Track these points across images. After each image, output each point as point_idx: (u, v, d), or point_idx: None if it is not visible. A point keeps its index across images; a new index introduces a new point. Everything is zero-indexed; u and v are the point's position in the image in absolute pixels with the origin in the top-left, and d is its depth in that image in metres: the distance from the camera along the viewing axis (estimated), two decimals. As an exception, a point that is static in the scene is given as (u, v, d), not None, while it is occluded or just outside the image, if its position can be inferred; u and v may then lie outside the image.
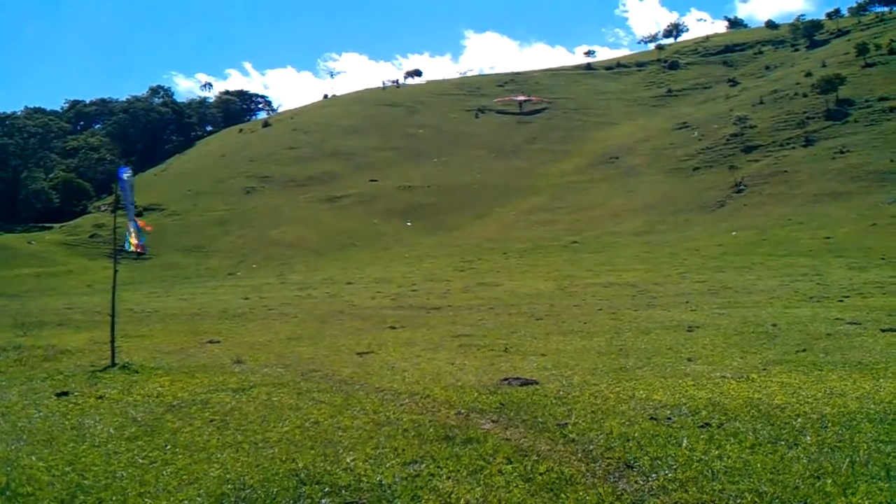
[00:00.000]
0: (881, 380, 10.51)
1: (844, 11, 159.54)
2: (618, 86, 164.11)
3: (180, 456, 7.93)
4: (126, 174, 14.55)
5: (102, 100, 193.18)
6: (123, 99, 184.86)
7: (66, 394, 11.42)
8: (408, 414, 9.40)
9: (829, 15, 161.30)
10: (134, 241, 14.70)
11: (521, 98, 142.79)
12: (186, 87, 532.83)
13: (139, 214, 15.85)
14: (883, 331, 15.49)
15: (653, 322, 19.13)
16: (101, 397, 11.15)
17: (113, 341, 14.59)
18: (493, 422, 8.87)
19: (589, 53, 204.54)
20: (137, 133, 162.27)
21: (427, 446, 7.84)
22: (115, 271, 15.37)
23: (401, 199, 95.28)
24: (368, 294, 35.39)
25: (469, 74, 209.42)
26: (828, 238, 47.98)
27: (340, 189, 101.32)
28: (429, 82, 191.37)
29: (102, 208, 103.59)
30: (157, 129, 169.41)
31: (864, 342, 14.14)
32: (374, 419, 9.17)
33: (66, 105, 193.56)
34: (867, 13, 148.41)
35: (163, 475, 7.33)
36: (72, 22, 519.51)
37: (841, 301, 22.84)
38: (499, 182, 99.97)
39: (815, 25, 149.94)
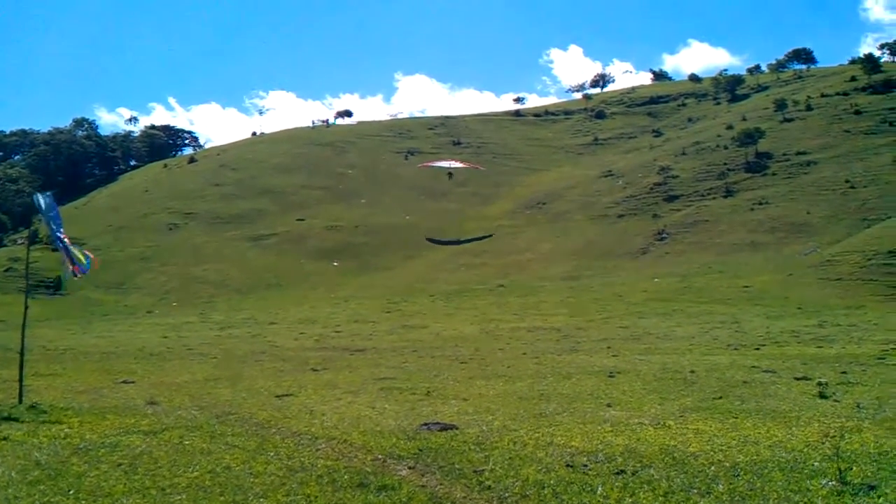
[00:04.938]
0: (793, 428, 10.75)
1: (765, 68, 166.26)
2: (546, 133, 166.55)
3: (83, 501, 7.68)
4: (44, 201, 14.10)
5: (23, 130, 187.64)
6: (45, 130, 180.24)
7: (-34, 435, 10.95)
8: (323, 459, 9.25)
9: (750, 70, 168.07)
10: (70, 266, 14.28)
11: (451, 164, 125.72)
12: (109, 121, 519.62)
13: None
14: (797, 379, 15.89)
15: (575, 367, 19.29)
16: (4, 439, 10.75)
17: (21, 380, 14.10)
18: (409, 468, 8.78)
19: (518, 100, 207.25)
20: (59, 165, 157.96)
21: (340, 494, 7.71)
22: (27, 307, 14.88)
23: (329, 238, 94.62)
24: (291, 335, 34.96)
25: (400, 116, 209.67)
26: (746, 287, 49.22)
27: (267, 227, 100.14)
28: (359, 123, 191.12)
29: (19, 241, 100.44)
30: (80, 161, 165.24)
31: (779, 390, 14.48)
32: (287, 465, 9.00)
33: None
34: (786, 70, 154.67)
35: (62, 523, 7.04)
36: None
37: (757, 349, 23.41)
38: (428, 224, 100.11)
39: (737, 80, 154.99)
